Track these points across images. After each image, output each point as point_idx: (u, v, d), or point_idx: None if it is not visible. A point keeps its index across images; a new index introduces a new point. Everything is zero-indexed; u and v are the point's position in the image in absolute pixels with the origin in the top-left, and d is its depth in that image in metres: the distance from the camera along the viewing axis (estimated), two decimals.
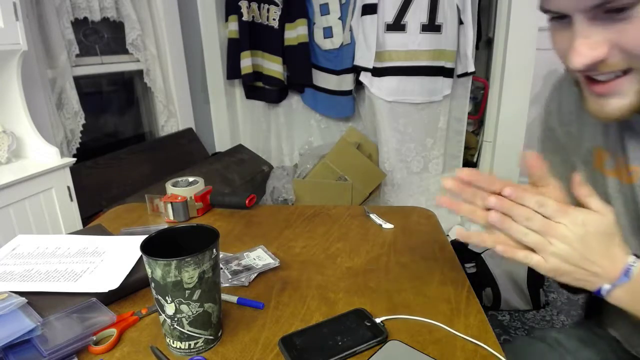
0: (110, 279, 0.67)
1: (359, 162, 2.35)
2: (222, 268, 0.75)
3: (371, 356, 0.53)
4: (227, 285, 0.70)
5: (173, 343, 0.55)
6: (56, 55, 1.82)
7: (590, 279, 0.51)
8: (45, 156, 1.55)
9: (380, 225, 0.92)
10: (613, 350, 0.71)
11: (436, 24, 2.22)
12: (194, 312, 0.53)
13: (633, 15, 0.42)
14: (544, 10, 0.48)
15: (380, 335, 0.56)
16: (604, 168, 0.60)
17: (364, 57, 2.34)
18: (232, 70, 2.67)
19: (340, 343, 0.55)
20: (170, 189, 0.98)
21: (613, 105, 0.48)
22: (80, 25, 2.00)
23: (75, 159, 1.59)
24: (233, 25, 2.57)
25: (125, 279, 0.67)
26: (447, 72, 2.31)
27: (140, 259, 0.73)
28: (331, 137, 2.78)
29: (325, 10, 2.45)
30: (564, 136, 0.67)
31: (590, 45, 0.45)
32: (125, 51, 2.20)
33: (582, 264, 0.50)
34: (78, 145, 1.95)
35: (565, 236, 0.49)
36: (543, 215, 0.50)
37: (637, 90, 0.46)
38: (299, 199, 2.41)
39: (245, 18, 2.54)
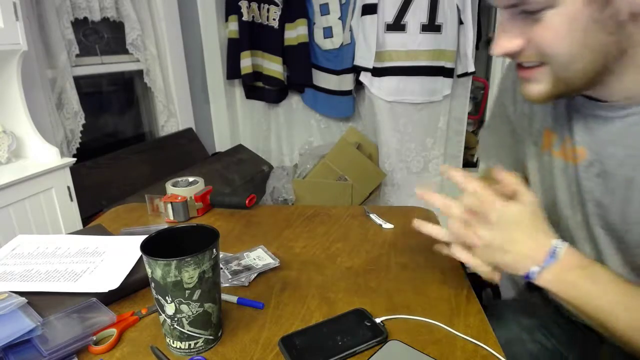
0: (110, 279, 0.67)
1: (359, 162, 2.35)
2: (222, 268, 0.75)
3: (371, 356, 0.53)
4: (227, 285, 0.70)
5: (173, 343, 0.55)
6: (56, 55, 1.82)
7: (520, 263, 0.56)
8: (45, 156, 1.55)
9: (380, 225, 0.92)
10: (554, 320, 0.76)
11: (436, 24, 2.22)
12: (194, 312, 0.53)
13: (543, 18, 0.48)
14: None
15: (380, 335, 0.56)
16: (552, 149, 0.65)
17: (364, 57, 2.34)
18: (232, 70, 2.67)
19: (340, 343, 0.55)
20: (170, 189, 0.98)
21: (534, 89, 0.55)
22: (80, 25, 2.00)
23: (75, 159, 1.59)
24: (233, 25, 2.57)
25: (125, 279, 0.67)
26: (447, 72, 2.31)
27: (140, 259, 0.73)
28: (331, 137, 2.78)
29: (325, 10, 2.45)
30: (516, 114, 0.71)
31: (508, 37, 0.52)
32: (125, 51, 2.20)
33: (508, 247, 0.56)
34: (78, 145, 1.95)
35: (490, 225, 0.55)
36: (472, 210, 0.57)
37: (550, 80, 0.52)
38: (299, 199, 2.41)
39: (245, 18, 2.54)
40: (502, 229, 0.56)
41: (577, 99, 0.60)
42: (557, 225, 0.65)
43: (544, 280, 0.55)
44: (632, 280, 0.57)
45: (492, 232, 0.56)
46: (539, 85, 0.54)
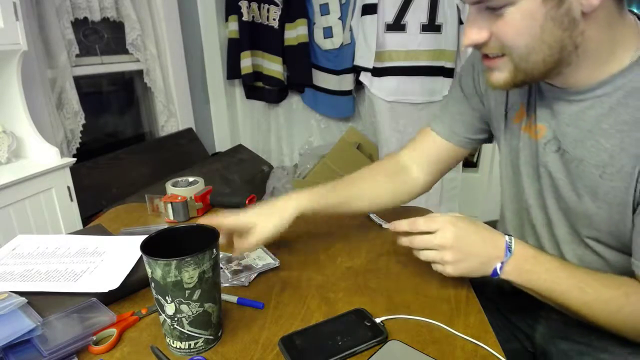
0: (110, 279, 0.67)
1: (359, 162, 2.35)
2: (222, 268, 0.75)
3: (371, 356, 0.53)
4: (227, 285, 0.70)
5: (173, 343, 0.55)
6: (56, 55, 1.82)
7: (486, 265, 0.63)
8: (45, 156, 1.55)
9: (380, 225, 0.92)
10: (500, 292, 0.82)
11: (436, 24, 2.22)
12: (194, 312, 0.53)
13: (504, 14, 0.53)
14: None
15: (380, 335, 0.56)
16: (521, 123, 0.71)
17: (364, 57, 2.34)
18: (232, 70, 2.67)
19: (340, 343, 0.55)
20: (170, 189, 0.98)
21: (496, 77, 0.60)
22: (80, 25, 2.00)
23: (75, 159, 1.59)
24: (233, 25, 2.57)
25: (125, 279, 0.67)
26: (447, 72, 2.31)
27: (140, 259, 0.73)
28: (331, 137, 2.78)
29: (325, 10, 2.45)
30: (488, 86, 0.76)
31: (475, 30, 0.57)
32: (125, 51, 2.20)
33: (471, 255, 0.63)
34: (78, 145, 1.95)
35: (444, 244, 0.63)
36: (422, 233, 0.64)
37: (511, 70, 0.58)
38: None
39: (245, 18, 2.54)
40: (459, 245, 0.63)
41: (540, 82, 0.66)
42: (519, 194, 0.74)
43: (507, 273, 0.63)
44: (577, 247, 0.67)
45: (452, 250, 0.63)
46: (500, 74, 0.59)
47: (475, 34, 0.57)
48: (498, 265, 0.62)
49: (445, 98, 0.85)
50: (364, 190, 0.83)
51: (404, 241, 0.68)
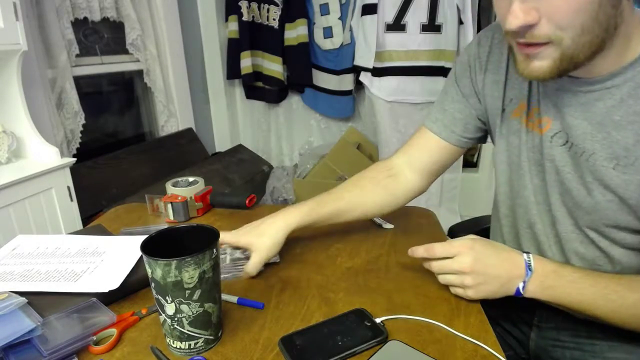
0: (110, 279, 0.67)
1: (359, 162, 2.35)
2: (224, 254, 0.77)
3: (371, 356, 0.53)
4: (227, 275, 0.72)
5: (173, 343, 0.55)
6: (56, 55, 1.82)
7: (507, 285, 0.62)
8: (45, 156, 1.55)
9: (380, 225, 0.92)
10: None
11: (436, 24, 2.22)
12: (194, 312, 0.53)
13: None
14: None
15: (380, 335, 0.56)
16: (521, 117, 0.70)
17: (364, 57, 2.34)
18: (232, 70, 2.67)
19: (340, 343, 0.55)
20: (170, 189, 0.98)
21: (536, 66, 0.56)
22: (80, 25, 2.00)
23: (75, 159, 1.59)
24: (233, 25, 2.57)
25: (125, 279, 0.67)
26: (447, 72, 2.31)
27: (140, 259, 0.73)
28: (331, 137, 2.78)
29: (325, 10, 2.45)
30: (486, 81, 0.75)
31: (524, 9, 0.52)
32: (125, 51, 2.20)
33: (492, 278, 0.62)
34: (78, 145, 1.95)
35: (463, 269, 0.62)
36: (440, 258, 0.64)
37: (556, 58, 0.54)
38: (299, 199, 2.42)
39: (245, 18, 2.54)
40: (478, 268, 0.62)
41: None
42: (517, 190, 0.73)
43: (530, 292, 0.62)
44: (579, 244, 0.66)
45: (472, 275, 0.62)
46: (542, 63, 0.55)
47: (525, 13, 0.51)
48: (520, 285, 0.62)
49: (440, 99, 0.85)
50: (353, 201, 0.82)
51: (425, 265, 0.68)
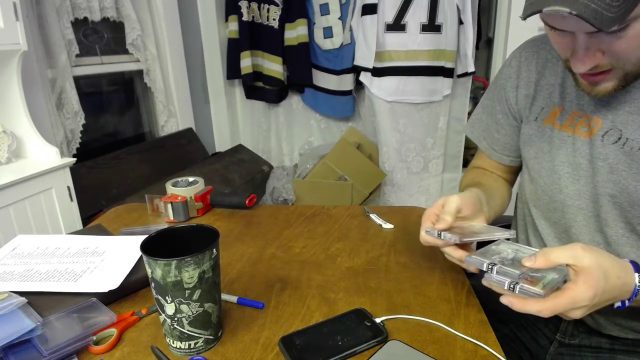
0: (110, 279, 0.67)
1: (359, 162, 2.35)
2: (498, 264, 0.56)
3: (371, 356, 0.53)
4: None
5: (173, 343, 0.55)
6: (56, 55, 1.82)
7: (609, 302, 0.54)
8: (45, 156, 1.55)
9: (380, 225, 0.92)
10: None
11: (436, 24, 2.22)
12: (194, 312, 0.53)
13: (627, 30, 0.52)
14: (547, 24, 0.57)
15: (380, 335, 0.56)
16: (554, 123, 0.72)
17: (364, 57, 2.34)
18: (232, 70, 2.67)
19: (340, 343, 0.55)
20: (170, 189, 0.98)
21: (602, 88, 0.60)
22: (80, 25, 2.00)
23: (75, 159, 1.59)
24: (233, 25, 2.57)
25: (125, 279, 0.67)
26: (447, 72, 2.31)
27: (140, 259, 0.73)
28: (331, 137, 2.78)
29: (325, 10, 2.45)
30: (518, 98, 0.79)
31: (589, 55, 0.56)
32: (125, 51, 2.20)
33: (604, 302, 0.53)
34: (78, 145, 1.95)
35: (580, 303, 0.51)
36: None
37: (620, 77, 0.58)
38: (299, 199, 2.41)
39: (245, 18, 2.54)
40: (596, 303, 0.52)
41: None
42: (554, 194, 0.72)
43: (636, 301, 0.55)
44: (630, 249, 0.64)
45: (587, 308, 0.53)
46: (609, 83, 0.59)
47: (590, 57, 0.56)
48: (626, 303, 0.55)
49: (489, 128, 0.87)
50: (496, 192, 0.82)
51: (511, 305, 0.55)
